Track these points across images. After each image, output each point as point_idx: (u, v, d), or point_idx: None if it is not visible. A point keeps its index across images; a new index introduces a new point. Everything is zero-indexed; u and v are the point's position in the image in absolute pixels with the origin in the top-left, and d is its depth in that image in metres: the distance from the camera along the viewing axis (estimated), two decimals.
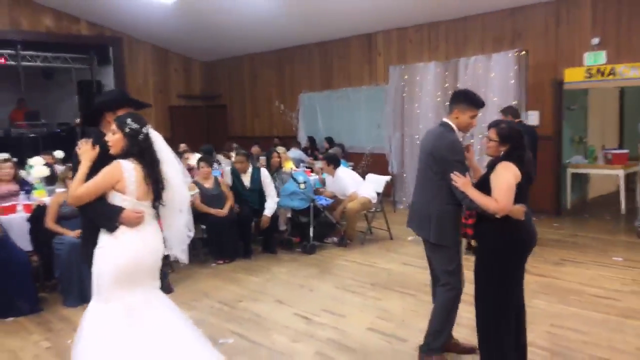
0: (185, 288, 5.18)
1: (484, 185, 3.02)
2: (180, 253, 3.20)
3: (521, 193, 2.94)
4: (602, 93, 9.70)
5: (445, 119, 3.30)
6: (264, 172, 6.44)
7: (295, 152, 9.86)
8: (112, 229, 2.85)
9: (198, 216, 5.98)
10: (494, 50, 8.36)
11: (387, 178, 7.10)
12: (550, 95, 8.03)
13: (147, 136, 2.89)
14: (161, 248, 3.02)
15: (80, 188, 2.86)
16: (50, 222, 5.01)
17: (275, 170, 6.78)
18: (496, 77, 7.94)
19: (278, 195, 6.46)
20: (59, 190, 5.37)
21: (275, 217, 6.32)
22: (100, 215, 2.87)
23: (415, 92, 9.12)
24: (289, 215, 6.65)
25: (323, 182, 7.33)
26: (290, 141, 10.73)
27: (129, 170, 2.85)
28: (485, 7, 8.42)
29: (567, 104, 8.43)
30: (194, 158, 6.99)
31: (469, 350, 3.47)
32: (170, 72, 13.72)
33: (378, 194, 6.88)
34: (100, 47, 12.44)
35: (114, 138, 2.88)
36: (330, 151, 8.00)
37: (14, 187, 5.75)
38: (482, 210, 2.98)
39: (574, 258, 5.83)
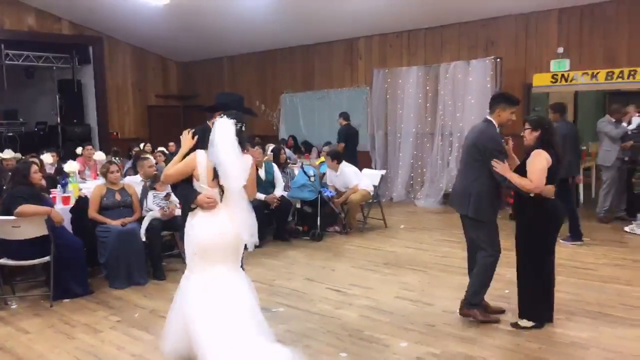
0: None
1: (521, 170, 3.80)
2: (249, 238, 3.38)
3: (552, 175, 3.73)
4: (559, 96, 10.79)
5: (488, 117, 4.03)
6: (275, 166, 7.03)
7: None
8: (188, 209, 3.38)
9: None
10: (469, 56, 9.24)
11: (383, 172, 7.83)
12: (520, 98, 8.95)
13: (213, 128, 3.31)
14: (236, 231, 3.34)
15: (169, 170, 3.44)
16: (92, 212, 5.43)
17: (284, 166, 7.38)
18: (474, 81, 8.81)
19: (286, 187, 7.08)
20: (99, 182, 5.76)
21: (288, 208, 6.91)
22: (181, 197, 3.47)
23: (397, 94, 9.91)
24: (298, 205, 7.25)
25: (321, 177, 7.94)
26: (271, 140, 11.27)
27: (201, 160, 3.33)
28: (461, 17, 9.28)
29: (533, 106, 9.43)
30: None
31: (497, 312, 4.20)
32: (148, 72, 13.97)
33: (374, 186, 7.59)
34: (81, 47, 12.60)
35: None
36: (325, 148, 8.69)
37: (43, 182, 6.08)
38: (519, 190, 3.74)
39: None
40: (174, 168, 3.41)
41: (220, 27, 11.01)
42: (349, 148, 8.98)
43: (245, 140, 3.43)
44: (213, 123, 3.39)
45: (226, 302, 3.28)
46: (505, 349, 3.71)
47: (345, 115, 9.66)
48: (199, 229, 3.34)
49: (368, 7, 9.15)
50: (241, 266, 3.61)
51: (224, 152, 3.25)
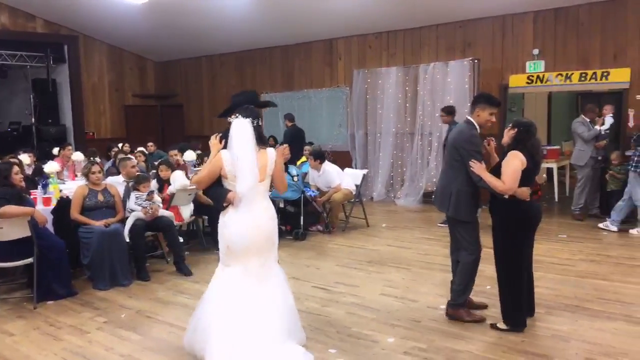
0: (201, 270, 5.68)
1: (497, 171, 3.85)
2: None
3: (528, 177, 3.77)
4: (534, 96, 11.09)
5: (468, 117, 4.09)
6: None
7: None
8: (221, 208, 3.47)
9: (200, 207, 6.51)
10: (447, 57, 9.39)
11: (365, 171, 7.93)
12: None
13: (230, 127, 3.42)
14: (268, 224, 3.46)
15: (199, 174, 3.54)
16: (75, 213, 5.37)
17: None
18: (452, 82, 8.97)
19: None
20: (79, 183, 5.70)
21: None
22: (213, 197, 3.56)
23: (377, 94, 10.02)
24: (281, 205, 7.27)
25: (303, 177, 7.98)
26: None
27: (227, 159, 3.42)
28: (439, 18, 9.42)
29: (509, 106, 9.64)
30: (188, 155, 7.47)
31: (480, 307, 4.30)
32: (125, 72, 13.80)
33: (356, 186, 7.68)
34: (56, 45, 12.39)
35: None
36: (307, 148, 8.75)
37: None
38: (493, 191, 3.80)
39: None
40: (202, 172, 3.53)
41: (199, 26, 10.95)
42: (296, 149, 8.88)
43: (263, 136, 3.53)
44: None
45: (252, 300, 3.36)
46: (489, 342, 3.81)
47: (290, 117, 10.10)
48: (233, 226, 3.41)
49: (347, 8, 9.21)
50: None
51: (239, 153, 3.34)
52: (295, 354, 3.40)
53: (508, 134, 3.88)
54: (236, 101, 3.76)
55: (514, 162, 3.75)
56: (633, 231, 6.88)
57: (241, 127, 3.37)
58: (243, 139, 3.36)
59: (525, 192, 3.79)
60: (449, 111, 7.62)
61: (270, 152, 3.53)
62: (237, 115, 3.40)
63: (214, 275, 3.57)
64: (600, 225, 7.23)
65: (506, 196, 3.77)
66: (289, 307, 3.55)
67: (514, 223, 3.85)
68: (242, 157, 3.33)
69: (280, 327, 3.41)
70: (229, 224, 3.42)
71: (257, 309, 3.34)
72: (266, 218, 3.49)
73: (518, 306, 3.92)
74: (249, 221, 3.39)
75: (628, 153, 7.40)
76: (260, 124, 3.46)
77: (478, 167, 3.85)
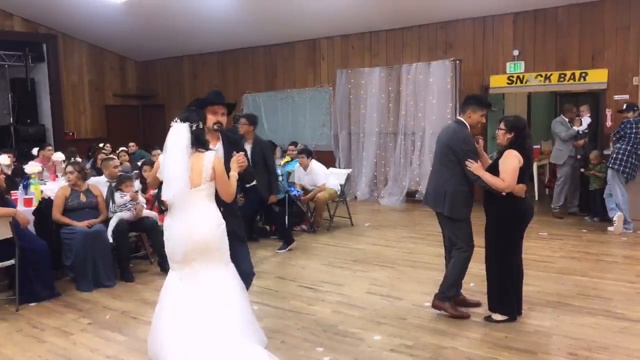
0: None
1: (493, 169, 3.95)
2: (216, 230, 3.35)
3: (523, 175, 3.90)
4: (514, 96, 11.23)
5: (459, 117, 4.18)
6: None
7: None
8: (161, 211, 3.48)
9: None
10: (429, 57, 9.48)
11: (349, 171, 7.96)
12: None
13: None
14: (205, 231, 3.26)
15: (150, 173, 3.52)
16: (56, 214, 5.30)
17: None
18: (435, 82, 9.06)
19: None
20: (63, 184, 5.64)
21: (256, 208, 6.91)
22: (156, 200, 3.51)
23: (360, 94, 10.07)
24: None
25: (288, 175, 8.00)
26: None
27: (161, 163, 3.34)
28: (421, 19, 9.51)
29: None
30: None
31: (473, 304, 4.36)
32: (105, 71, 13.65)
33: (340, 185, 7.71)
34: (34, 44, 12.20)
35: None
36: (291, 147, 8.76)
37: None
38: (490, 189, 3.91)
39: None
40: (151, 172, 3.53)
41: (180, 26, 10.88)
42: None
43: (202, 139, 3.31)
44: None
45: (199, 302, 3.28)
46: (474, 338, 3.86)
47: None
48: (169, 229, 3.36)
49: (330, 9, 9.25)
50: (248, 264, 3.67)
51: (167, 159, 3.21)
52: (258, 356, 3.30)
53: (505, 137, 3.95)
54: (206, 97, 3.67)
55: (513, 161, 3.87)
56: (611, 228, 7.02)
57: (176, 132, 3.22)
58: (174, 144, 3.20)
59: (522, 189, 3.93)
60: (253, 121, 6.44)
61: (208, 155, 3.28)
62: (176, 119, 3.27)
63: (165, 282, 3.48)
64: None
65: (503, 193, 3.89)
66: (240, 309, 3.37)
67: (509, 219, 3.96)
68: (168, 162, 3.19)
69: (234, 330, 3.27)
70: (166, 228, 3.35)
71: (203, 313, 3.23)
72: (203, 225, 3.28)
73: (507, 295, 4.02)
74: (182, 228, 3.27)
75: (606, 152, 7.56)
76: (201, 127, 3.29)
77: (475, 167, 3.96)
